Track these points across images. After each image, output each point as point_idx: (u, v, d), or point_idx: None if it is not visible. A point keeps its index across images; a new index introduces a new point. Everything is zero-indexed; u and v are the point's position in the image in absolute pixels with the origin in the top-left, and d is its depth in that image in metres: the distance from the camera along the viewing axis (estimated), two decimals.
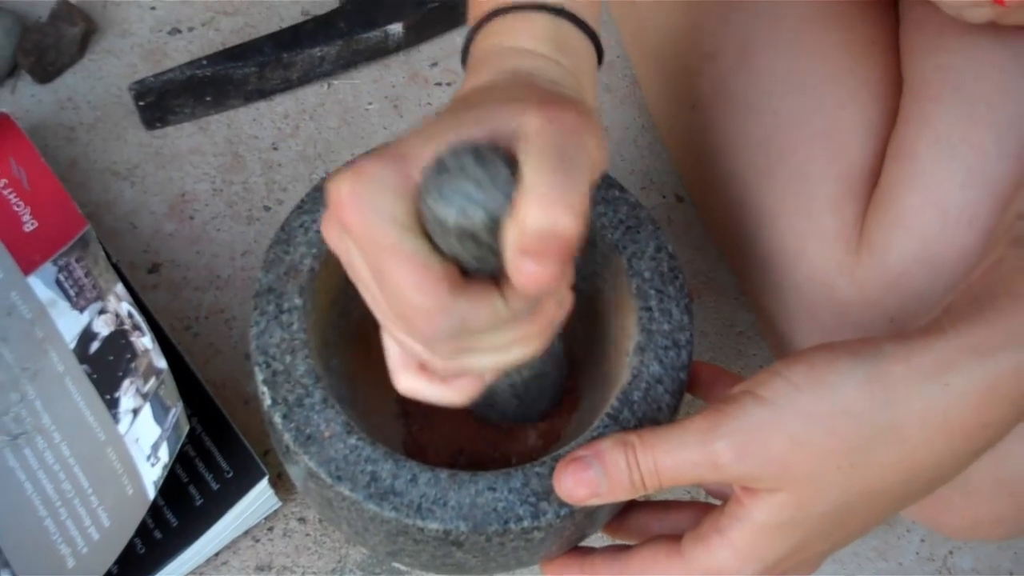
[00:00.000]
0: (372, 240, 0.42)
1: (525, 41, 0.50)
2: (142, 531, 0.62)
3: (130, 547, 0.61)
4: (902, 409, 0.46)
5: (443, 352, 0.44)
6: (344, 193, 0.42)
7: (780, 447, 0.46)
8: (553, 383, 0.59)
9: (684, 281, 0.58)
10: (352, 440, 0.51)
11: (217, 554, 0.67)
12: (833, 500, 0.47)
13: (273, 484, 0.65)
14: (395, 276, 0.42)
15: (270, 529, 0.68)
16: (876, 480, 0.47)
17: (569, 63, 0.50)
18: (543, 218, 0.40)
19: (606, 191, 0.59)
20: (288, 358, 0.53)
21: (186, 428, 0.61)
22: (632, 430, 0.50)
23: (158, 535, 0.64)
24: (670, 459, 0.47)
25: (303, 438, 0.51)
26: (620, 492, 0.49)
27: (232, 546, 0.67)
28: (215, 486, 0.65)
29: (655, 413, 0.54)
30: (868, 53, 0.67)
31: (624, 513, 0.57)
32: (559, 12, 0.51)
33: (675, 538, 0.52)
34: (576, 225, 0.41)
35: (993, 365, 0.46)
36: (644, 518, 0.58)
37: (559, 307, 0.46)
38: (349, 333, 0.60)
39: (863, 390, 0.46)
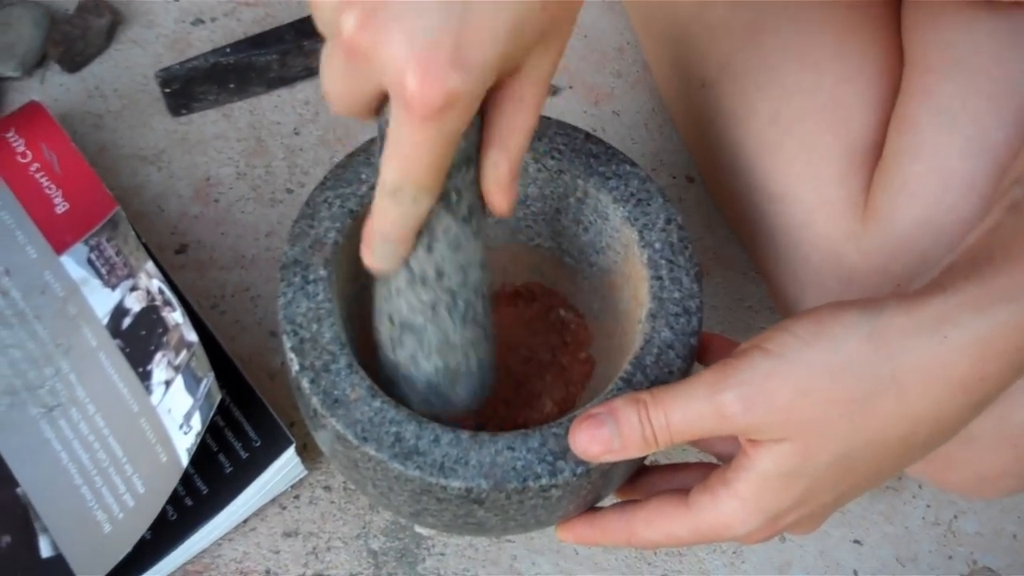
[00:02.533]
0: None
1: None
2: (174, 498, 0.64)
3: (162, 514, 0.64)
4: (902, 361, 0.48)
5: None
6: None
7: (786, 397, 0.48)
8: (428, 350, 0.57)
9: (693, 251, 0.59)
10: (377, 403, 0.53)
11: (246, 521, 0.69)
12: (836, 450, 0.49)
13: (299, 453, 0.68)
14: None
15: (296, 497, 0.71)
16: (878, 430, 0.49)
17: None
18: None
19: (618, 166, 0.61)
20: (315, 326, 0.55)
21: (218, 397, 0.63)
22: (644, 389, 0.52)
23: (189, 502, 0.66)
24: (680, 413, 0.49)
25: (330, 401, 0.53)
26: (633, 448, 0.50)
27: (260, 513, 0.69)
28: (244, 455, 0.67)
29: (667, 377, 0.55)
30: (871, 30, 0.69)
31: (635, 476, 0.59)
32: None
33: (683, 492, 0.53)
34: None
35: (989, 319, 0.48)
36: (654, 478, 0.60)
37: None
38: (369, 307, 0.62)
39: (866, 343, 0.48)
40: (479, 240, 0.53)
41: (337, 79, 0.44)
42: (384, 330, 0.57)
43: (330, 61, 0.44)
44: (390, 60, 0.41)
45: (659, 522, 0.54)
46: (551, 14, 0.43)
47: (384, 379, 0.58)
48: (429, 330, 0.55)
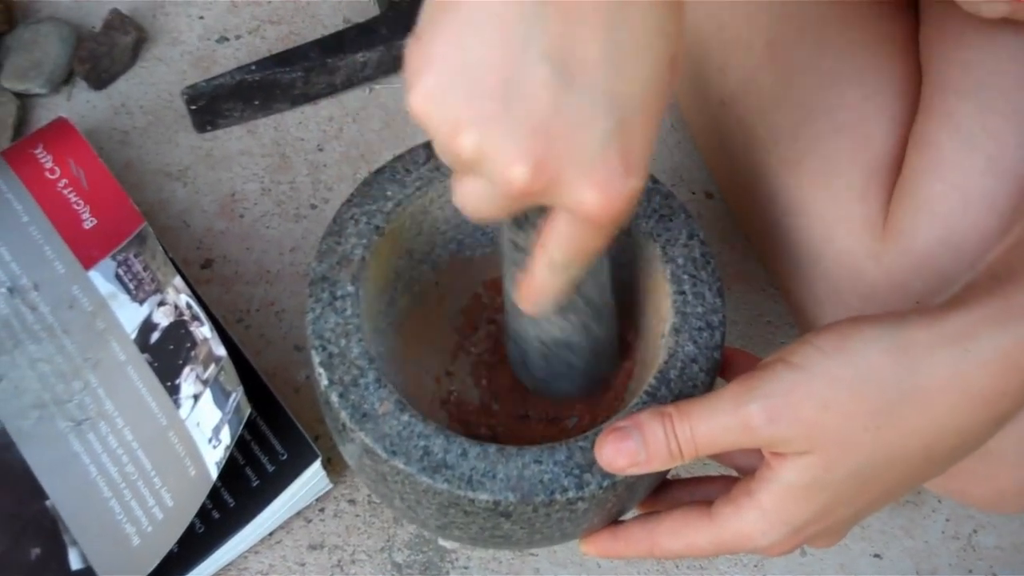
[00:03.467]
0: None
1: None
2: (201, 511, 0.65)
3: (190, 527, 0.64)
4: (925, 374, 0.48)
5: None
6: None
7: (810, 410, 0.48)
8: (586, 360, 0.61)
9: (716, 266, 0.60)
10: (405, 417, 0.54)
11: (272, 534, 0.70)
12: (858, 462, 0.49)
13: (324, 467, 0.68)
14: None
15: (321, 510, 0.71)
16: (899, 444, 0.49)
17: None
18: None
19: None
20: (343, 341, 0.56)
21: (247, 411, 0.64)
22: (669, 403, 0.53)
23: (216, 515, 0.67)
24: (705, 426, 0.50)
25: (359, 416, 0.54)
26: (658, 461, 0.51)
27: (286, 526, 0.70)
28: (270, 468, 0.68)
29: (691, 390, 0.56)
30: (890, 49, 0.69)
31: (657, 489, 0.60)
32: None
33: (706, 503, 0.54)
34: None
35: (1011, 334, 0.48)
36: (676, 491, 0.60)
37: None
38: (396, 321, 0.63)
39: (889, 356, 0.48)
40: (606, 254, 0.55)
41: (488, 206, 0.45)
42: (532, 349, 0.60)
43: (479, 193, 0.44)
44: (568, 193, 0.43)
45: (682, 533, 0.54)
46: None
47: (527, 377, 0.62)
48: (582, 343, 0.59)
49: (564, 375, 0.61)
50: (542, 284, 0.49)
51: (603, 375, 0.64)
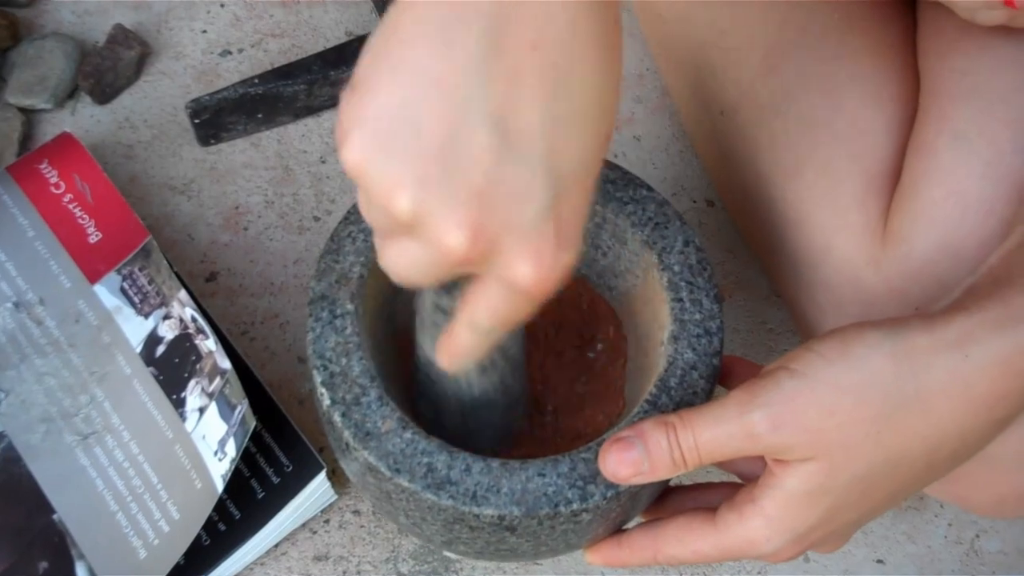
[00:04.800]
0: None
1: None
2: (207, 524, 0.65)
3: (196, 539, 0.65)
4: (926, 379, 0.49)
5: None
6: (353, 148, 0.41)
7: (812, 417, 0.48)
8: (502, 415, 0.61)
9: (712, 272, 0.60)
10: (408, 434, 0.54)
11: (277, 545, 0.70)
12: (861, 467, 0.50)
13: (329, 478, 0.69)
14: None
15: (326, 521, 0.72)
16: (901, 448, 0.50)
17: None
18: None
19: (635, 191, 0.62)
20: (344, 360, 0.56)
21: (252, 424, 0.64)
22: (671, 411, 0.53)
23: (222, 527, 0.67)
24: (708, 434, 0.50)
25: (362, 434, 0.54)
26: (662, 470, 0.51)
27: (291, 537, 0.71)
28: (275, 480, 0.68)
29: (691, 398, 0.56)
30: (887, 56, 0.70)
31: (661, 496, 0.60)
32: None
33: (710, 510, 0.54)
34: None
35: (1011, 338, 0.49)
36: (679, 499, 0.60)
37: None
38: (396, 337, 0.63)
39: (890, 361, 0.49)
40: None
41: (418, 272, 0.44)
42: (449, 409, 0.60)
43: (411, 257, 0.43)
44: (503, 263, 0.42)
45: (686, 539, 0.55)
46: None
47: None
48: (499, 400, 0.59)
49: (481, 431, 0.61)
50: (465, 345, 0.48)
51: (514, 428, 0.63)
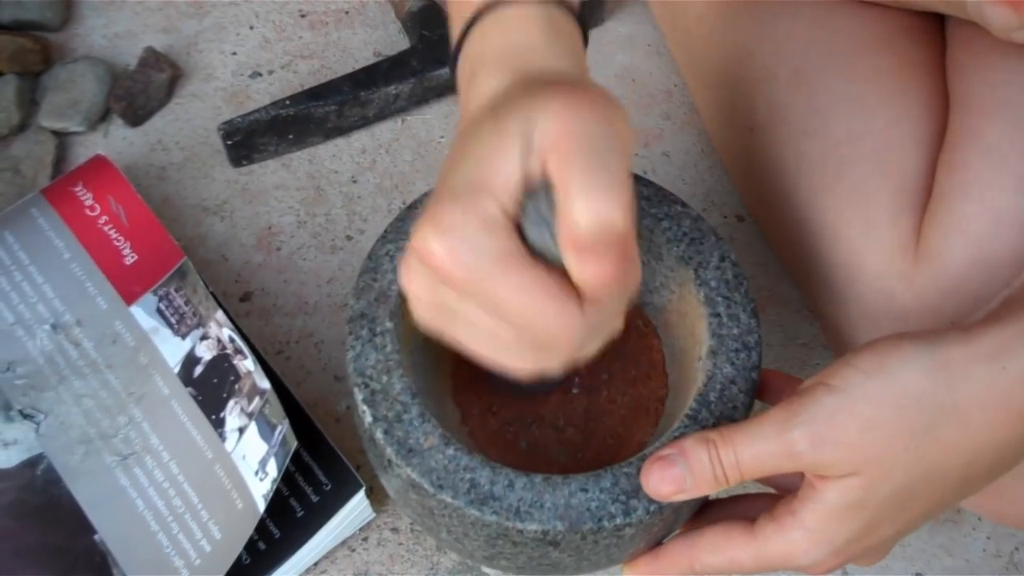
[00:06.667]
0: (486, 280, 0.44)
1: (522, 36, 0.50)
2: (248, 543, 0.66)
3: (236, 559, 0.65)
4: (962, 390, 0.49)
5: (576, 354, 0.47)
6: (437, 246, 0.43)
7: (852, 433, 0.49)
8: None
9: (748, 287, 0.61)
10: (450, 451, 0.54)
11: (316, 564, 0.70)
12: (899, 481, 0.50)
13: (367, 496, 0.69)
14: (527, 306, 0.44)
15: (365, 539, 0.72)
16: (939, 461, 0.50)
17: (567, 49, 0.51)
18: (588, 214, 0.43)
19: (669, 207, 0.63)
20: (385, 378, 0.56)
21: (293, 444, 0.65)
22: (712, 428, 0.53)
23: (262, 546, 0.68)
24: (749, 451, 0.50)
25: (404, 451, 0.54)
26: (704, 486, 0.51)
27: (330, 556, 0.71)
28: (315, 498, 0.69)
29: (731, 412, 0.57)
30: (916, 74, 0.70)
31: (700, 510, 0.60)
32: (547, 2, 0.51)
33: (748, 520, 0.54)
34: (622, 213, 0.43)
35: None
36: (717, 511, 0.60)
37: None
38: (434, 354, 0.63)
39: (927, 373, 0.49)
40: None
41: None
42: None
43: None
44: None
45: (723, 547, 0.55)
46: None
47: None
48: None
49: None
50: None
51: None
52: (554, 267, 0.45)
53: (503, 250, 0.44)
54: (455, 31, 0.54)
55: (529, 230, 0.45)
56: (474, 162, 0.45)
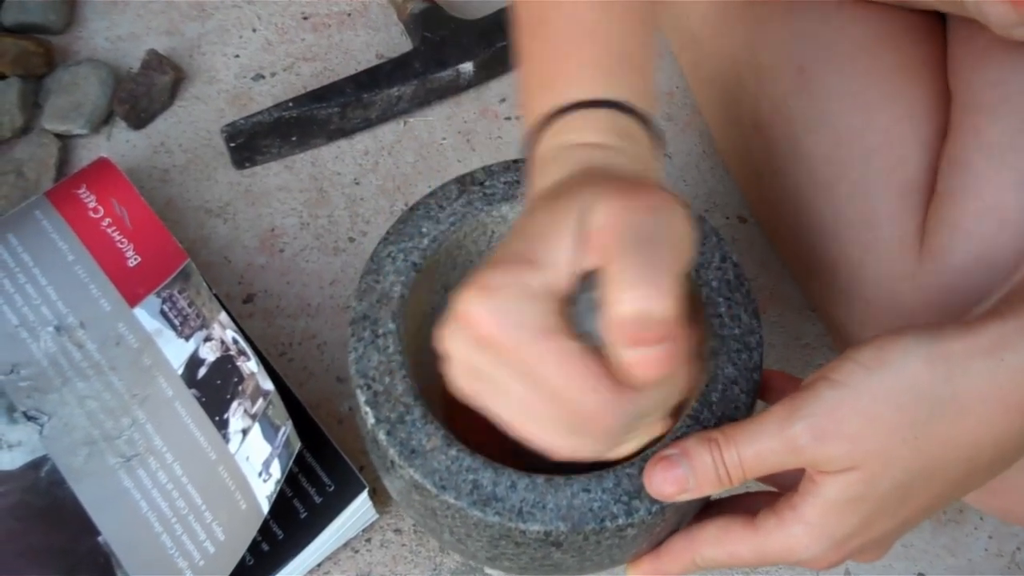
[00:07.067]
0: (525, 346, 0.44)
1: (590, 135, 0.51)
2: (251, 544, 0.66)
3: (240, 560, 0.65)
4: (961, 383, 0.49)
5: (610, 443, 0.47)
6: (480, 310, 0.44)
7: (854, 426, 0.49)
8: None
9: (749, 288, 0.61)
10: (453, 451, 0.54)
11: (319, 565, 0.70)
12: (899, 475, 0.50)
13: (370, 497, 0.69)
14: (563, 377, 0.44)
15: (368, 540, 0.72)
16: (938, 454, 0.50)
17: (636, 152, 0.52)
18: (631, 302, 0.43)
19: None
20: (387, 379, 0.56)
21: (297, 445, 0.65)
22: (714, 427, 0.53)
23: (266, 548, 0.68)
24: (752, 449, 0.50)
25: (407, 452, 0.54)
26: (707, 486, 0.51)
27: (333, 557, 0.71)
28: (318, 500, 0.69)
29: (733, 412, 0.57)
30: (918, 73, 0.70)
31: (703, 510, 0.60)
32: (619, 107, 0.52)
33: (749, 514, 0.54)
34: (666, 304, 0.43)
35: None
36: (718, 507, 0.61)
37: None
38: (432, 355, 0.63)
39: (925, 367, 0.49)
40: None
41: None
42: None
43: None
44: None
45: (724, 541, 0.55)
46: None
47: None
48: None
49: None
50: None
51: None
52: (599, 352, 0.45)
53: (546, 322, 0.44)
54: (529, 118, 0.55)
55: (580, 320, 0.46)
56: (526, 238, 0.46)
